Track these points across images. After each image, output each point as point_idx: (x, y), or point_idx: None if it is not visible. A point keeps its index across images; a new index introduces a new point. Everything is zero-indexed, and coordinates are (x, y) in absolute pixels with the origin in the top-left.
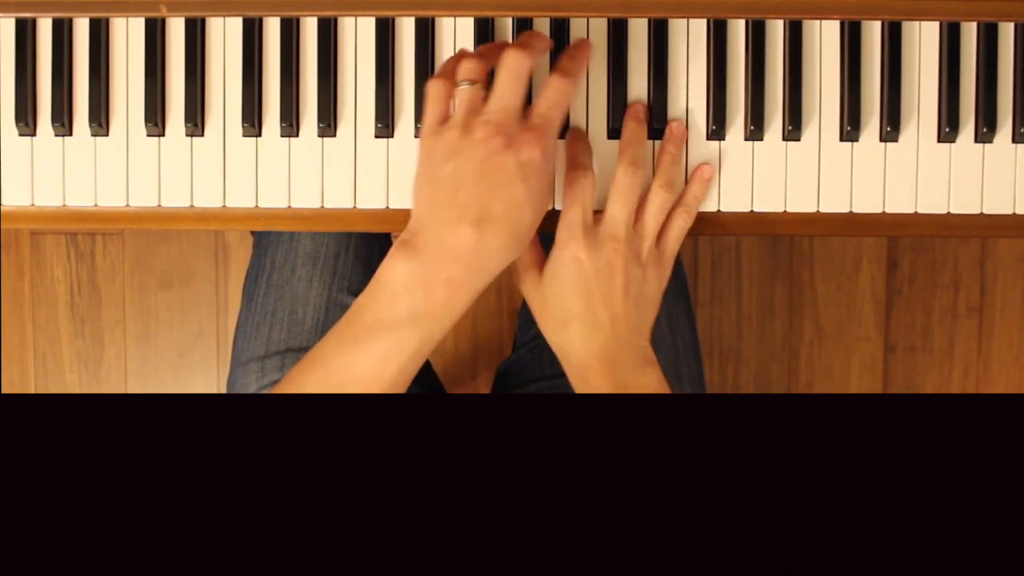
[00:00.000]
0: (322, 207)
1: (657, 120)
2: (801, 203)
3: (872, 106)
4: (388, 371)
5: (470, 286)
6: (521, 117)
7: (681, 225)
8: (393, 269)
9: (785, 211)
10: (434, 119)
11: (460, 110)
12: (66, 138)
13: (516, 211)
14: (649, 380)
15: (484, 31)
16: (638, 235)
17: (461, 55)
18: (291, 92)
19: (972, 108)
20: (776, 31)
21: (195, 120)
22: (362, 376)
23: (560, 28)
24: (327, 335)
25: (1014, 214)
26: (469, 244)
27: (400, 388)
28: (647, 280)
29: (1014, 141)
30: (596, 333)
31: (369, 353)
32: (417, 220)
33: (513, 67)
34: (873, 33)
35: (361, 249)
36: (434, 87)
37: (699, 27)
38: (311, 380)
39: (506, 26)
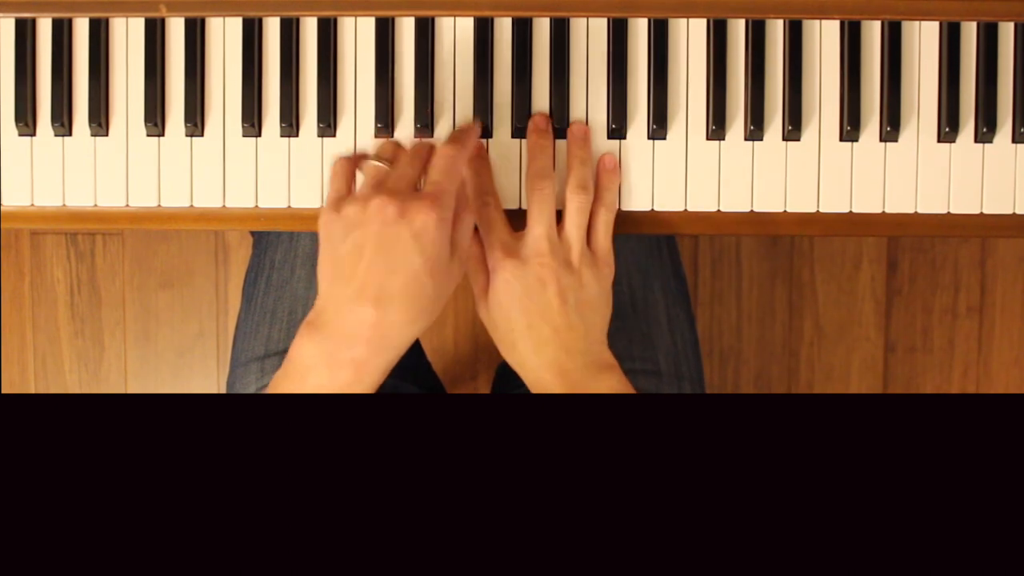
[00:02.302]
0: (322, 207)
1: (658, 121)
2: (801, 203)
3: (872, 106)
4: None
5: (376, 364)
6: (416, 188)
7: (604, 221)
8: (300, 349)
9: (785, 211)
10: (334, 195)
11: (364, 183)
12: (66, 138)
13: (416, 284)
14: (607, 384)
15: (484, 31)
16: (563, 243)
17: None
18: (291, 92)
19: (972, 108)
20: (776, 31)
21: (195, 120)
22: None
23: (560, 28)
24: None
25: (1014, 214)
26: (370, 322)
27: None
28: (584, 285)
29: (1014, 141)
30: (543, 347)
31: None
32: (321, 299)
33: (416, 148)
34: (873, 33)
35: None
36: (337, 165)
37: (699, 27)
38: None
39: (506, 26)
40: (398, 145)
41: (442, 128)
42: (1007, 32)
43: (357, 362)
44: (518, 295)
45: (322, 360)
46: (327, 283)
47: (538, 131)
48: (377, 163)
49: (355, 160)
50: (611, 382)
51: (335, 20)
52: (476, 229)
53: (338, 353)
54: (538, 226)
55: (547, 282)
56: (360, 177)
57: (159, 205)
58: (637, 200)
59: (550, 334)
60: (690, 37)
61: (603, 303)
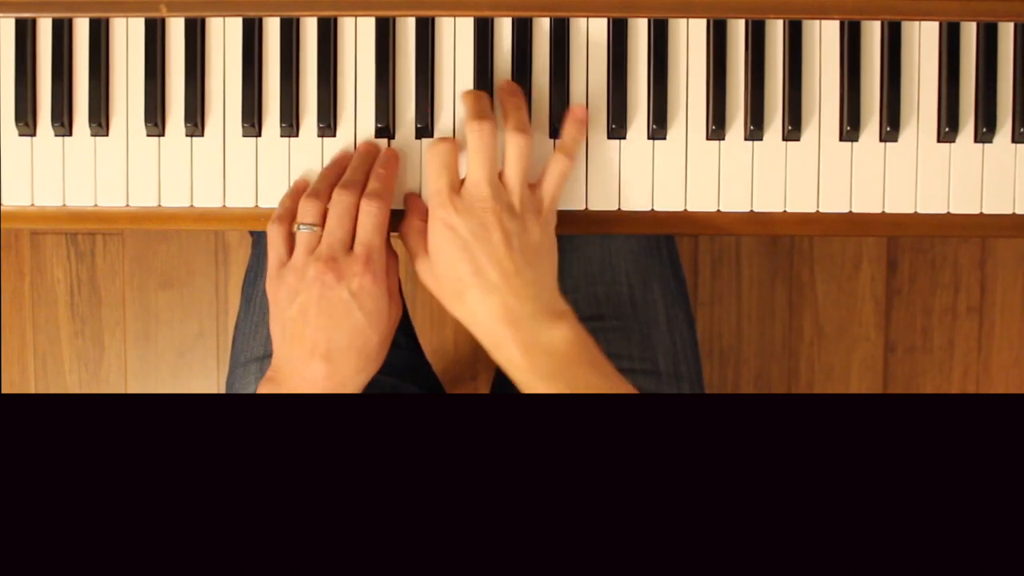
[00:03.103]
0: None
1: (658, 121)
2: (801, 203)
3: (872, 106)
4: None
5: None
6: (348, 249)
7: (558, 170)
8: None
9: (785, 211)
10: (275, 263)
11: (298, 252)
12: (66, 138)
13: (360, 336)
14: (560, 333)
15: (484, 31)
16: (505, 187)
17: (299, 192)
18: (291, 92)
19: (972, 108)
20: (776, 31)
21: (195, 120)
22: None
23: (560, 28)
24: None
25: (1014, 214)
26: (323, 376)
27: None
28: (528, 229)
29: (1014, 141)
30: (491, 294)
31: None
32: (276, 358)
33: (339, 206)
34: (873, 33)
35: None
36: (272, 232)
37: (699, 27)
38: None
39: (506, 26)
40: (319, 199)
41: (442, 128)
42: (1007, 32)
43: None
44: (462, 241)
45: None
46: (279, 342)
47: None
48: (308, 228)
49: (286, 221)
50: (564, 330)
51: (335, 20)
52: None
53: None
54: (478, 170)
55: (491, 226)
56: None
57: (159, 205)
58: (637, 200)
59: (498, 279)
60: (690, 37)
61: (548, 252)
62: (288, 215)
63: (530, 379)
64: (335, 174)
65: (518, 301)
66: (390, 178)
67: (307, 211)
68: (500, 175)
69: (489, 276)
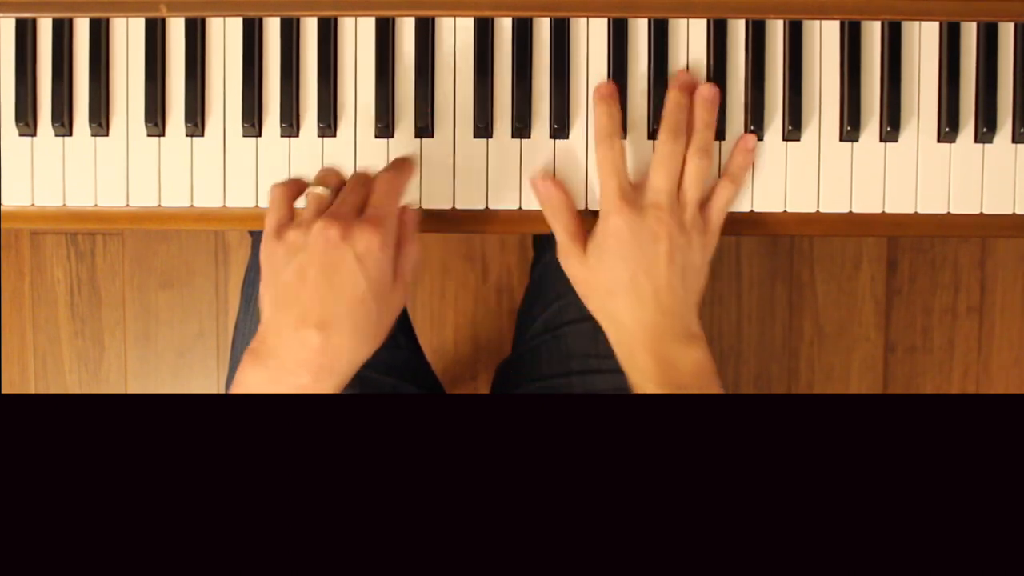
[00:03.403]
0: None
1: (658, 121)
2: (801, 203)
3: (872, 106)
4: None
5: (323, 388)
6: (359, 213)
7: (725, 196)
8: (244, 378)
9: (785, 211)
10: (273, 223)
11: (307, 209)
12: (66, 138)
13: (361, 308)
14: (695, 355)
15: (484, 31)
16: (680, 204)
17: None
18: (291, 92)
19: (972, 108)
20: (776, 31)
21: (195, 120)
22: None
23: (560, 28)
24: None
25: (1014, 214)
26: (314, 348)
27: None
28: (692, 248)
29: (1014, 141)
30: (641, 304)
31: None
32: (264, 326)
33: (357, 177)
34: (873, 33)
35: None
36: (275, 191)
37: (699, 27)
38: None
39: (506, 26)
40: (338, 173)
41: (443, 128)
42: (1007, 32)
43: (303, 388)
44: (628, 244)
45: (266, 388)
46: (269, 310)
47: (680, 89)
48: (320, 190)
49: (293, 187)
50: (697, 353)
51: (335, 20)
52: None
53: (282, 380)
54: (661, 180)
55: (660, 237)
56: (302, 204)
57: (159, 205)
58: None
59: (651, 292)
60: (690, 37)
61: (703, 275)
62: (294, 185)
63: (654, 387)
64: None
65: (663, 317)
66: (410, 162)
67: (326, 175)
68: (678, 190)
69: (643, 286)
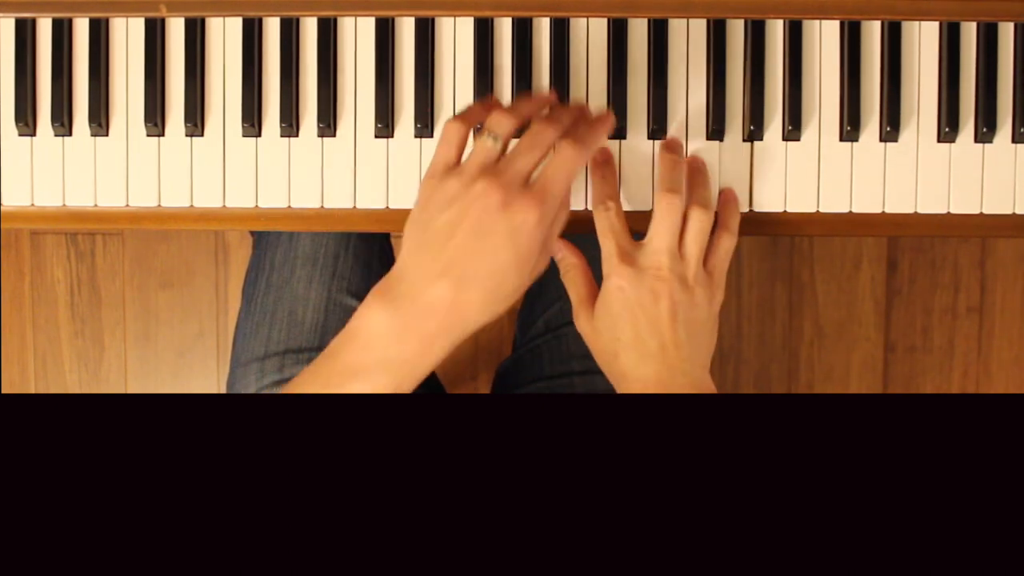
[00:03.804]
0: (322, 207)
1: (658, 121)
2: (801, 203)
3: (872, 106)
4: None
5: (444, 342)
6: (527, 180)
7: (725, 246)
8: (367, 318)
9: (785, 211)
10: (441, 162)
11: (473, 160)
12: (66, 138)
13: (500, 275)
14: None
15: (484, 31)
16: (682, 259)
17: (492, 105)
18: (291, 92)
19: (972, 108)
20: (776, 31)
21: (195, 120)
22: None
23: (560, 28)
24: (302, 374)
25: (1014, 214)
26: (446, 302)
27: None
28: (696, 304)
29: (1014, 141)
30: (647, 361)
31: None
32: (401, 265)
33: (538, 136)
34: (873, 33)
35: (360, 249)
36: (451, 129)
37: (699, 27)
38: None
39: (506, 26)
40: (513, 119)
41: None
42: (1007, 32)
43: (427, 338)
44: (630, 304)
45: (393, 331)
46: (412, 252)
47: (670, 150)
48: (493, 140)
49: (469, 123)
50: None
51: (335, 20)
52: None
53: (411, 326)
54: (661, 239)
55: (661, 295)
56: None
57: (159, 205)
58: (638, 202)
59: (656, 349)
60: (690, 37)
61: (711, 327)
62: (472, 119)
63: None
64: (537, 106)
65: (670, 374)
66: (600, 135)
67: (501, 123)
68: (679, 245)
69: (648, 344)
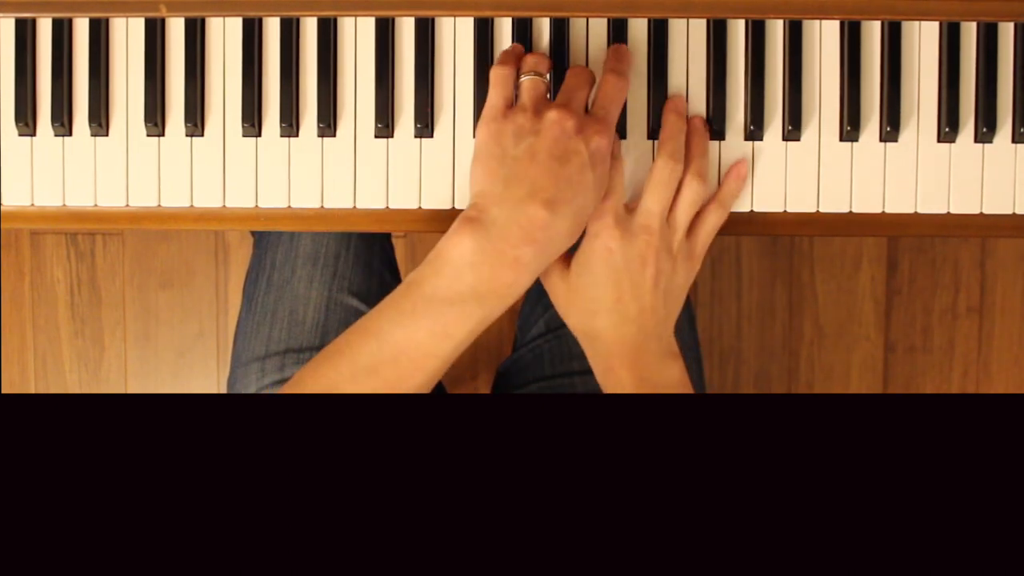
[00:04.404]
0: (322, 207)
1: (657, 121)
2: (801, 203)
3: (872, 106)
4: (445, 346)
5: (536, 267)
6: (585, 109)
7: (714, 221)
8: (459, 245)
9: (785, 211)
10: (499, 102)
11: (527, 96)
12: (66, 138)
13: (583, 196)
14: (673, 373)
15: (484, 31)
16: (671, 227)
17: (519, 50)
18: (291, 92)
19: (972, 108)
20: (776, 31)
21: (195, 120)
22: (417, 349)
23: (560, 28)
24: (380, 306)
25: (1014, 214)
26: (540, 223)
27: (450, 363)
28: (676, 272)
29: (1014, 141)
30: (625, 324)
31: (428, 328)
32: (484, 197)
33: (581, 74)
34: (873, 33)
35: (361, 249)
36: (500, 71)
37: (699, 27)
38: (363, 351)
39: (506, 26)
40: (548, 59)
41: (442, 129)
42: (1007, 32)
43: (520, 262)
44: (616, 266)
45: (485, 257)
46: (493, 183)
47: (676, 113)
48: (539, 77)
49: (514, 66)
50: (675, 371)
51: (335, 20)
52: None
53: (505, 251)
54: (654, 203)
55: (648, 261)
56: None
57: (159, 205)
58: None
59: (635, 312)
60: (690, 37)
61: (682, 297)
62: (512, 60)
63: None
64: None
65: (644, 337)
66: (628, 63)
67: (540, 62)
68: (669, 212)
69: (628, 308)
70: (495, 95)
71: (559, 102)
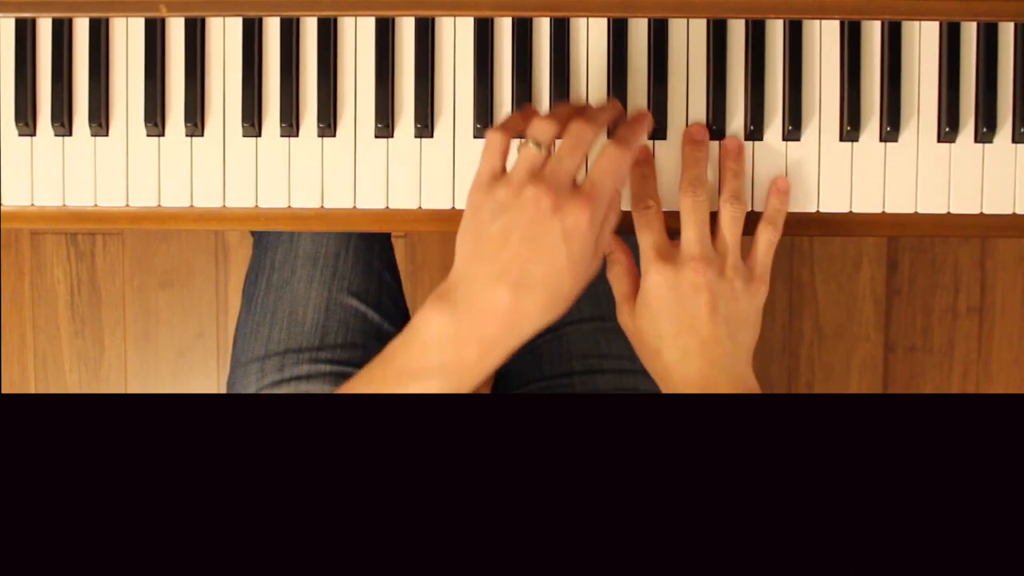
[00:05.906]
0: (322, 207)
1: (657, 121)
2: (801, 203)
3: (872, 106)
4: None
5: (502, 346)
6: (574, 183)
7: (767, 239)
8: (427, 321)
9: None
10: (487, 172)
11: (519, 167)
12: (66, 138)
13: (556, 277)
14: None
15: (484, 31)
16: (717, 252)
17: (531, 113)
18: (291, 92)
19: (972, 108)
20: (776, 31)
21: (195, 120)
22: None
23: (560, 28)
24: (359, 374)
25: (1014, 214)
26: (505, 306)
27: None
28: (736, 296)
29: (1014, 141)
30: (688, 359)
31: None
32: (457, 273)
33: (576, 136)
34: (873, 33)
35: (361, 249)
36: (493, 139)
37: (699, 27)
38: None
39: (506, 26)
40: (554, 125)
41: (442, 129)
42: (1007, 32)
43: (485, 343)
44: (669, 300)
45: (450, 334)
46: (467, 260)
47: (693, 142)
48: (536, 147)
49: (511, 132)
50: None
51: (335, 20)
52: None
53: (469, 331)
54: (691, 232)
55: (700, 288)
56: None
57: (159, 205)
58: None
59: (696, 345)
60: (690, 37)
61: (753, 321)
62: (512, 128)
63: None
64: (574, 110)
65: (712, 369)
66: (641, 134)
67: (542, 129)
68: (713, 239)
69: (688, 341)
70: (484, 163)
71: (546, 173)
